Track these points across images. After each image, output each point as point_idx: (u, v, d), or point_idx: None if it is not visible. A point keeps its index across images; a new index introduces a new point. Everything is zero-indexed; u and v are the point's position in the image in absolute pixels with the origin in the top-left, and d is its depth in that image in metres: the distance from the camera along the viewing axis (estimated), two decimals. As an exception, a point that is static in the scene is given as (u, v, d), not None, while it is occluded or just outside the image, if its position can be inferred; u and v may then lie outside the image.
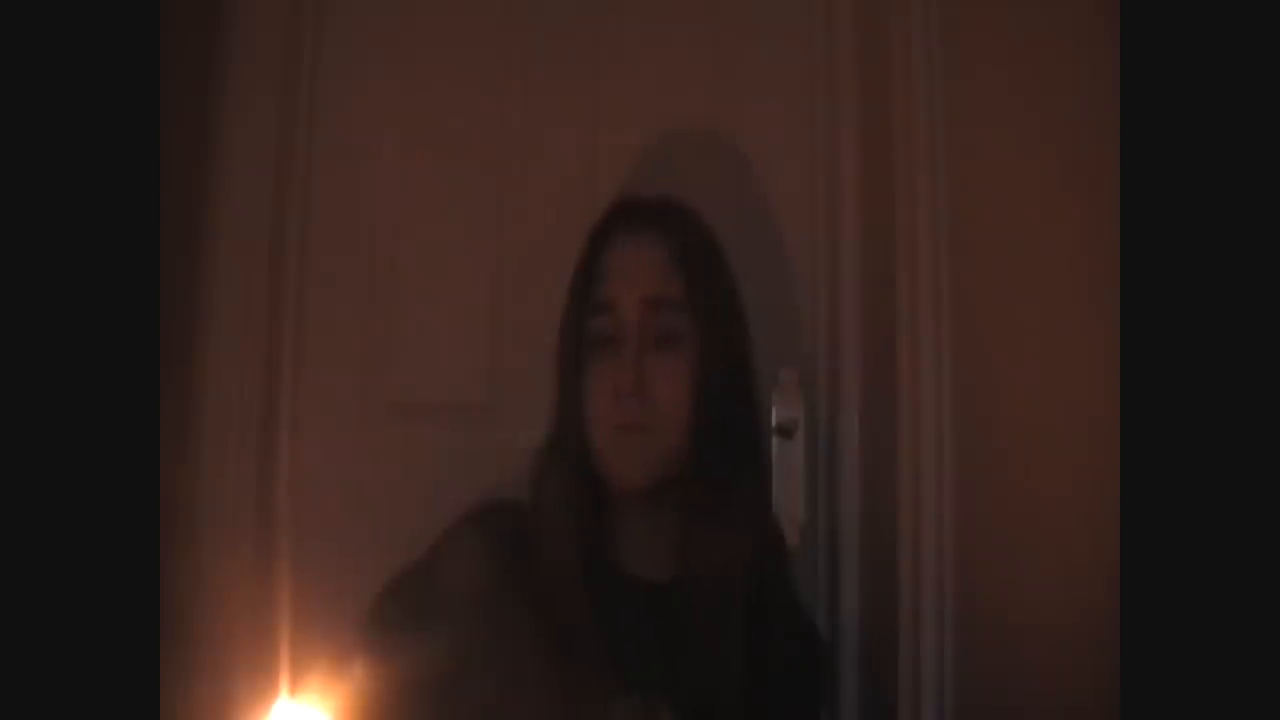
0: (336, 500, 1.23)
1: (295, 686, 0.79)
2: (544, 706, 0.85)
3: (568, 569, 0.90)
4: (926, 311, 1.08)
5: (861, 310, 1.25)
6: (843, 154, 1.28)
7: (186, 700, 0.94)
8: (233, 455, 1.22)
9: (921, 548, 1.06)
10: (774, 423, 1.21)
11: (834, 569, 1.23)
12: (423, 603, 0.90)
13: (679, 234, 0.95)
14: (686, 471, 0.92)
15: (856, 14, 1.29)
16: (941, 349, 1.07)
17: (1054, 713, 0.93)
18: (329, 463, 1.25)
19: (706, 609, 0.91)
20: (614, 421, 0.91)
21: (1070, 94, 0.99)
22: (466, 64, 1.31)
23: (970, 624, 1.02)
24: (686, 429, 0.91)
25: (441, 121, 1.31)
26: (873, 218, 1.24)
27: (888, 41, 1.17)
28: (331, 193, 1.30)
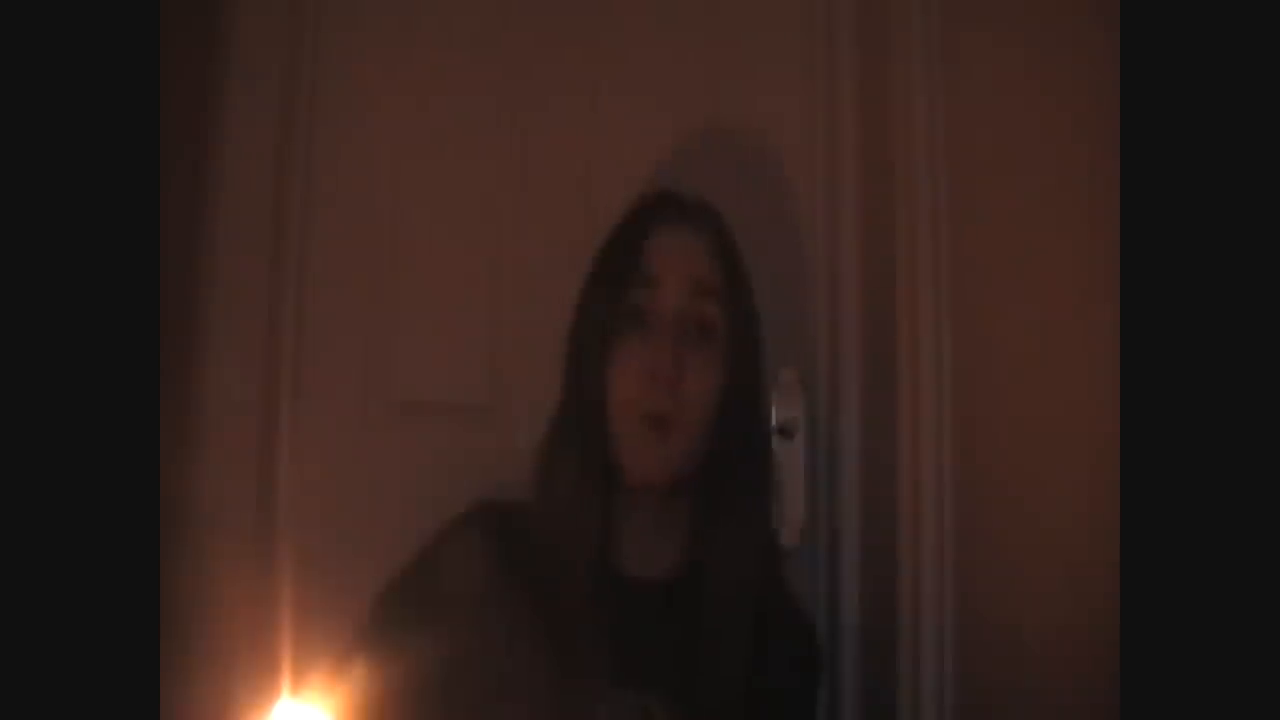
0: (336, 500, 1.23)
1: (297, 686, 0.79)
2: (543, 705, 0.85)
3: (576, 569, 0.90)
4: (926, 311, 1.08)
5: (861, 310, 1.25)
6: (843, 154, 1.28)
7: (186, 700, 0.94)
8: (233, 455, 1.22)
9: (921, 548, 1.06)
10: (774, 423, 1.21)
11: (834, 569, 1.22)
12: (423, 603, 0.90)
13: (717, 231, 0.97)
14: (705, 470, 0.92)
15: (856, 13, 1.29)
16: (941, 349, 1.07)
17: (1054, 713, 0.93)
18: (329, 463, 1.25)
19: (718, 609, 0.91)
20: (641, 409, 0.90)
21: (1070, 93, 0.99)
22: (466, 64, 1.31)
23: (970, 624, 1.02)
24: (710, 427, 0.91)
25: (441, 121, 1.30)
26: (873, 217, 1.24)
27: (888, 42, 1.17)
28: (331, 192, 1.29)
